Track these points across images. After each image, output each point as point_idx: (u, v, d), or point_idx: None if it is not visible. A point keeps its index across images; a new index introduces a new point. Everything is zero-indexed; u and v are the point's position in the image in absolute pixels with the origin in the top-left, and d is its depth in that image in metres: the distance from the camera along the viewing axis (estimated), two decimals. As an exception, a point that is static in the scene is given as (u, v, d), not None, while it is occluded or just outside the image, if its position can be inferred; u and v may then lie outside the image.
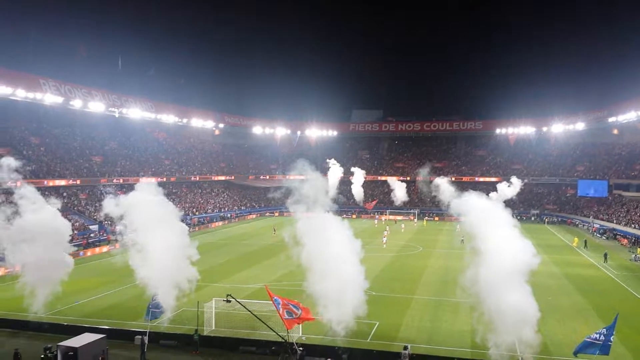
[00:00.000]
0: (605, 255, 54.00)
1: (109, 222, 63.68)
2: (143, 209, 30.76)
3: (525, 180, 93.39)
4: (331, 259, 28.12)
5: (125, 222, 31.75)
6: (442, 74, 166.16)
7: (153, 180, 59.45)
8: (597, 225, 79.06)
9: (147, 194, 31.96)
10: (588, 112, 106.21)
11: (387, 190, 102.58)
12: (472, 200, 28.15)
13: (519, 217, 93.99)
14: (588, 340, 23.47)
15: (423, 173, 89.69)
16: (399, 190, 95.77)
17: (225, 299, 28.41)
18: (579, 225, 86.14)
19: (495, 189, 78.13)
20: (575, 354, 23.68)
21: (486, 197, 29.33)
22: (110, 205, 31.59)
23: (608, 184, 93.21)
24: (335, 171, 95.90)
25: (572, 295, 39.38)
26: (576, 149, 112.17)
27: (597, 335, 23.25)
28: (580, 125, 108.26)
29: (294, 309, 25.87)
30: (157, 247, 29.63)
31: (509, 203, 54.25)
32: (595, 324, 31.66)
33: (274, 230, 70.96)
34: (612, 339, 22.90)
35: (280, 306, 25.76)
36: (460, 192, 30.76)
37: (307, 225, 29.26)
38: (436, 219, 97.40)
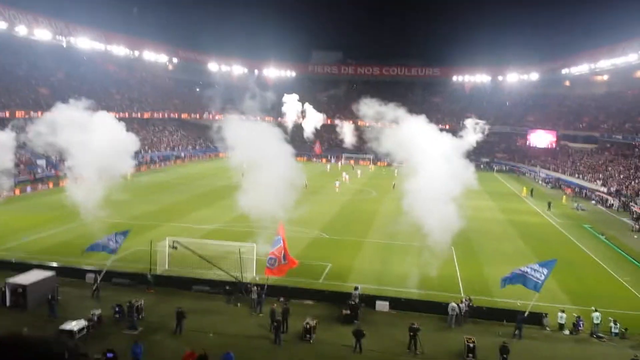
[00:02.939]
0: (549, 203, 56.27)
1: (57, 157, 61.61)
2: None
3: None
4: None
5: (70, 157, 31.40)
6: (402, 18, 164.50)
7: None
8: (544, 175, 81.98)
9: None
10: (542, 62, 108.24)
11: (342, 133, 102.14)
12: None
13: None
14: (518, 272, 24.83)
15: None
16: (347, 134, 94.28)
17: (172, 246, 28.51)
18: (527, 174, 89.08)
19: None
20: (504, 284, 25.10)
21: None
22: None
23: (557, 134, 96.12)
24: (293, 108, 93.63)
25: (515, 241, 41.22)
26: (529, 99, 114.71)
27: (530, 270, 24.59)
28: (534, 76, 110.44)
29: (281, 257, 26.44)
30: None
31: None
32: (536, 269, 33.42)
33: (242, 174, 70.06)
34: (544, 279, 24.23)
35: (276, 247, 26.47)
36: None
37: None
38: (382, 164, 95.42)
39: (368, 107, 40.60)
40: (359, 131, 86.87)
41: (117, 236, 27.88)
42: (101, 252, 28.04)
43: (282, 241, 26.62)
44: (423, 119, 32.16)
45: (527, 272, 24.66)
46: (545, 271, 24.27)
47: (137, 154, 77.82)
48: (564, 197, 61.60)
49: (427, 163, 28.58)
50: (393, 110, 34.77)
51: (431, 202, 26.86)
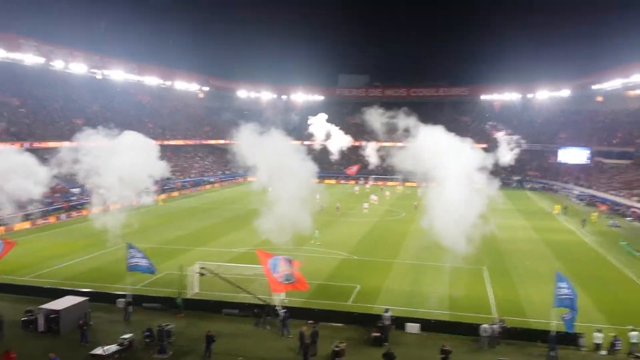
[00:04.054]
0: (584, 221, 54.90)
1: (90, 184, 62.97)
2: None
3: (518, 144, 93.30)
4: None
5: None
6: (429, 40, 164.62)
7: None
8: (578, 192, 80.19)
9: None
10: (573, 79, 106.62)
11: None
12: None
13: (500, 184, 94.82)
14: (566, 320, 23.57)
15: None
16: (371, 155, 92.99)
17: (199, 272, 28.75)
18: (560, 192, 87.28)
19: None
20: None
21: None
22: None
23: (590, 151, 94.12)
24: (321, 128, 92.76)
25: (550, 261, 40.14)
26: (560, 116, 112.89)
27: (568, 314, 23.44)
28: (565, 92, 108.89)
29: (288, 272, 26.21)
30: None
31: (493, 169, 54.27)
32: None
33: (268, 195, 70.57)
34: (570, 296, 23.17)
35: (277, 267, 26.08)
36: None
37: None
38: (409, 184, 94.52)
39: (374, 118, 40.02)
40: (381, 151, 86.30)
41: (132, 251, 28.40)
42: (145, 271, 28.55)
43: (277, 261, 26.41)
44: (439, 130, 31.62)
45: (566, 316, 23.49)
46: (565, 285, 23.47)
47: (168, 180, 79.31)
48: (594, 214, 59.63)
49: (448, 180, 28.10)
50: (403, 120, 34.04)
51: (454, 222, 26.37)
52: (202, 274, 28.74)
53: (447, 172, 28.27)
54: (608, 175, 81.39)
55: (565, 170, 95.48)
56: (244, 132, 34.01)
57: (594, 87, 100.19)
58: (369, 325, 25.46)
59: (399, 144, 35.28)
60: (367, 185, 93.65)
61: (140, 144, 34.93)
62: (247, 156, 31.66)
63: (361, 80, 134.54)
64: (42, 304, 25.52)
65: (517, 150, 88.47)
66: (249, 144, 32.31)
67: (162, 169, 34.54)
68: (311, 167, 32.71)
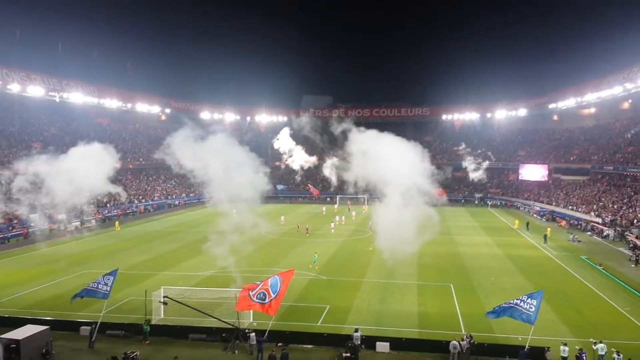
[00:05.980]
0: (545, 236, 56.22)
1: (50, 211, 61.34)
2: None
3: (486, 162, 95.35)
4: None
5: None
6: (391, 61, 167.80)
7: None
8: (538, 208, 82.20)
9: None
10: (530, 98, 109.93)
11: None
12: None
13: (463, 201, 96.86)
14: (506, 305, 24.63)
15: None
16: (331, 173, 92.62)
17: (162, 301, 28.14)
18: (521, 208, 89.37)
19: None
20: (491, 317, 25.20)
21: None
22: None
23: (548, 168, 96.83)
24: (286, 143, 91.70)
25: (514, 276, 40.83)
26: (518, 135, 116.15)
27: (519, 302, 24.44)
28: (522, 112, 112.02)
29: (271, 293, 25.73)
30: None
31: (455, 187, 55.00)
32: (535, 303, 33.02)
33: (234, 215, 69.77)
34: (536, 311, 24.02)
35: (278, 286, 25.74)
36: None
37: None
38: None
39: (304, 122, 40.09)
40: (339, 169, 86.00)
41: (106, 278, 27.54)
42: (92, 297, 27.57)
43: (281, 284, 26.11)
44: (374, 133, 31.94)
45: (517, 304, 24.51)
46: (534, 302, 24.09)
47: (130, 204, 77.85)
48: (549, 229, 60.35)
49: (393, 196, 28.48)
50: (338, 122, 34.35)
51: (398, 240, 26.78)
52: (164, 303, 28.05)
53: (392, 188, 28.62)
54: (566, 191, 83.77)
55: (525, 187, 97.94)
56: (176, 142, 33.33)
57: (550, 106, 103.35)
58: (340, 346, 25.36)
59: (339, 158, 35.68)
60: (336, 205, 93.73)
61: (93, 157, 34.30)
62: (188, 171, 31.21)
63: (324, 101, 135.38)
64: (2, 333, 24.46)
65: (486, 164, 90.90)
66: (187, 157, 31.76)
67: (110, 187, 33.96)
68: (262, 180, 32.43)
